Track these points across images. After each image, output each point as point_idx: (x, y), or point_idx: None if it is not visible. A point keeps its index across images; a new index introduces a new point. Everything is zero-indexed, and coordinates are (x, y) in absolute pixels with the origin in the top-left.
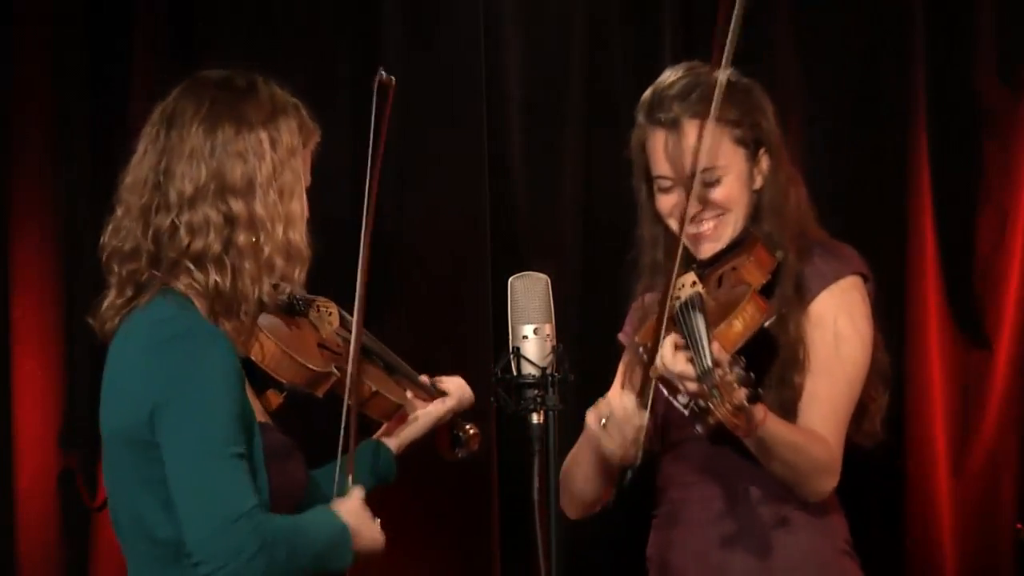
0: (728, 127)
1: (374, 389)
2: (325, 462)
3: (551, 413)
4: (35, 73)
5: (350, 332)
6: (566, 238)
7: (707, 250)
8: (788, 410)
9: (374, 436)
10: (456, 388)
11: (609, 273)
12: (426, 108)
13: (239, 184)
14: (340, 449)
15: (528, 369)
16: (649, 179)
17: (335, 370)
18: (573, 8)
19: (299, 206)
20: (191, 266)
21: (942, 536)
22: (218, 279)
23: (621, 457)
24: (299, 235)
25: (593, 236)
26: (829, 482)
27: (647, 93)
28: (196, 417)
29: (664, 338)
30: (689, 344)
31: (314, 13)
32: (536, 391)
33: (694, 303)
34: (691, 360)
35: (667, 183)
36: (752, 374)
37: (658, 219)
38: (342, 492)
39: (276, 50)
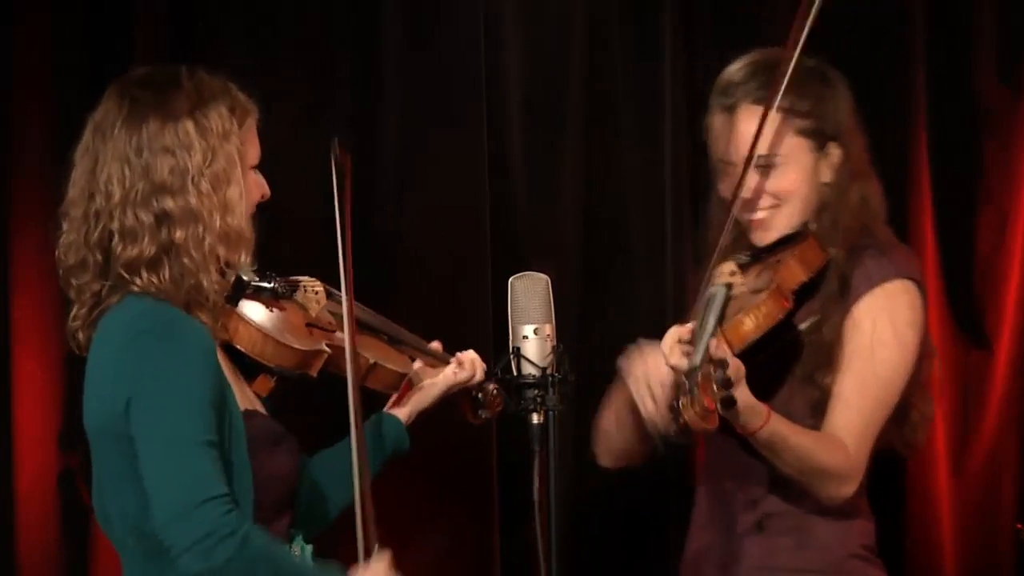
0: (793, 117)
1: (372, 361)
2: (325, 443)
3: (551, 413)
4: (35, 73)
5: (340, 306)
6: (566, 238)
7: (758, 238)
8: (818, 412)
9: (385, 408)
10: (470, 360)
11: (609, 273)
12: (426, 108)
13: (168, 180)
14: (352, 429)
15: (528, 369)
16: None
17: (325, 347)
18: (573, 8)
19: (236, 190)
20: (126, 274)
21: (942, 536)
22: (156, 280)
23: (649, 413)
24: (238, 219)
25: (593, 236)
26: (843, 488)
27: (719, 77)
28: (166, 406)
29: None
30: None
31: (314, 13)
32: (536, 391)
33: (716, 297)
34: (687, 355)
35: (726, 167)
36: (732, 378)
37: (721, 202)
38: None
39: (276, 50)
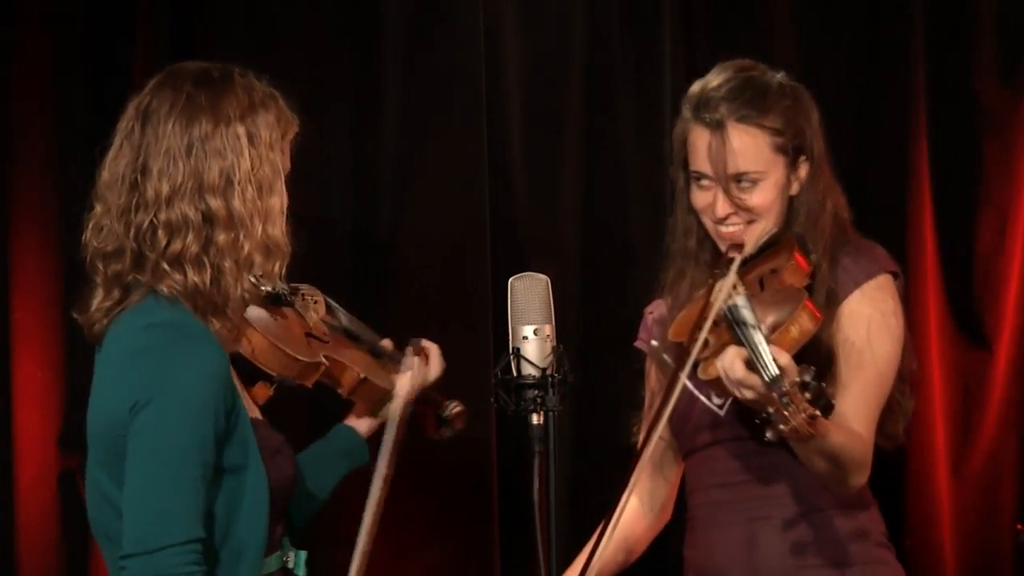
0: (770, 134)
1: (362, 376)
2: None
3: (551, 414)
4: (35, 73)
5: (335, 319)
6: (566, 238)
7: (734, 250)
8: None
9: (344, 420)
10: (410, 362)
11: (609, 273)
12: (426, 109)
13: (217, 182)
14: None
15: (528, 370)
16: (687, 170)
17: (323, 359)
18: (573, 8)
19: (278, 200)
20: (168, 268)
21: (942, 536)
22: (197, 279)
23: None
24: (278, 229)
25: (593, 236)
26: (864, 477)
27: (695, 87)
28: (164, 430)
29: (702, 336)
30: (748, 350)
31: (314, 13)
32: (536, 392)
33: (744, 309)
34: (753, 367)
35: (705, 181)
36: (823, 383)
37: (692, 209)
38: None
39: (276, 50)
